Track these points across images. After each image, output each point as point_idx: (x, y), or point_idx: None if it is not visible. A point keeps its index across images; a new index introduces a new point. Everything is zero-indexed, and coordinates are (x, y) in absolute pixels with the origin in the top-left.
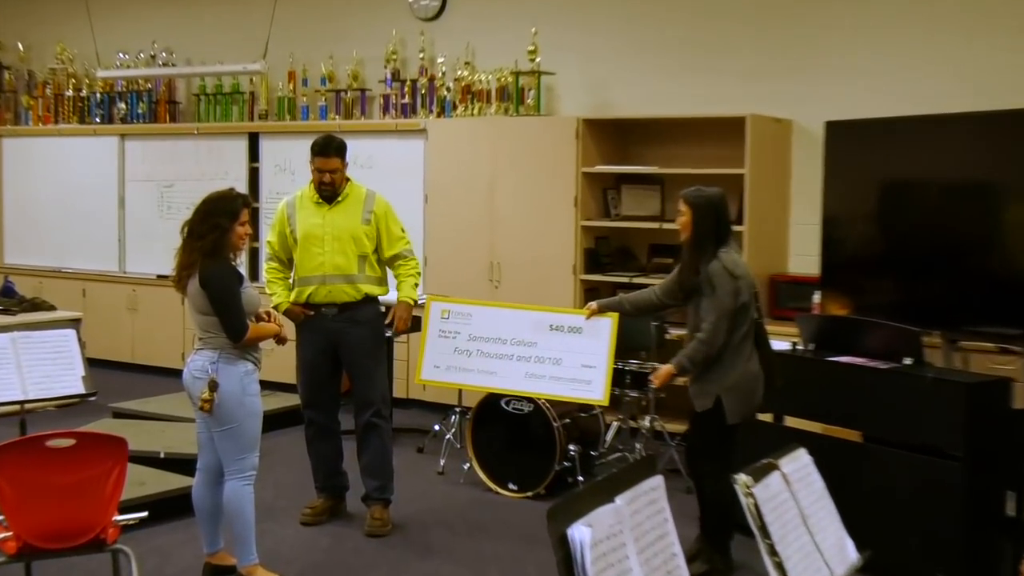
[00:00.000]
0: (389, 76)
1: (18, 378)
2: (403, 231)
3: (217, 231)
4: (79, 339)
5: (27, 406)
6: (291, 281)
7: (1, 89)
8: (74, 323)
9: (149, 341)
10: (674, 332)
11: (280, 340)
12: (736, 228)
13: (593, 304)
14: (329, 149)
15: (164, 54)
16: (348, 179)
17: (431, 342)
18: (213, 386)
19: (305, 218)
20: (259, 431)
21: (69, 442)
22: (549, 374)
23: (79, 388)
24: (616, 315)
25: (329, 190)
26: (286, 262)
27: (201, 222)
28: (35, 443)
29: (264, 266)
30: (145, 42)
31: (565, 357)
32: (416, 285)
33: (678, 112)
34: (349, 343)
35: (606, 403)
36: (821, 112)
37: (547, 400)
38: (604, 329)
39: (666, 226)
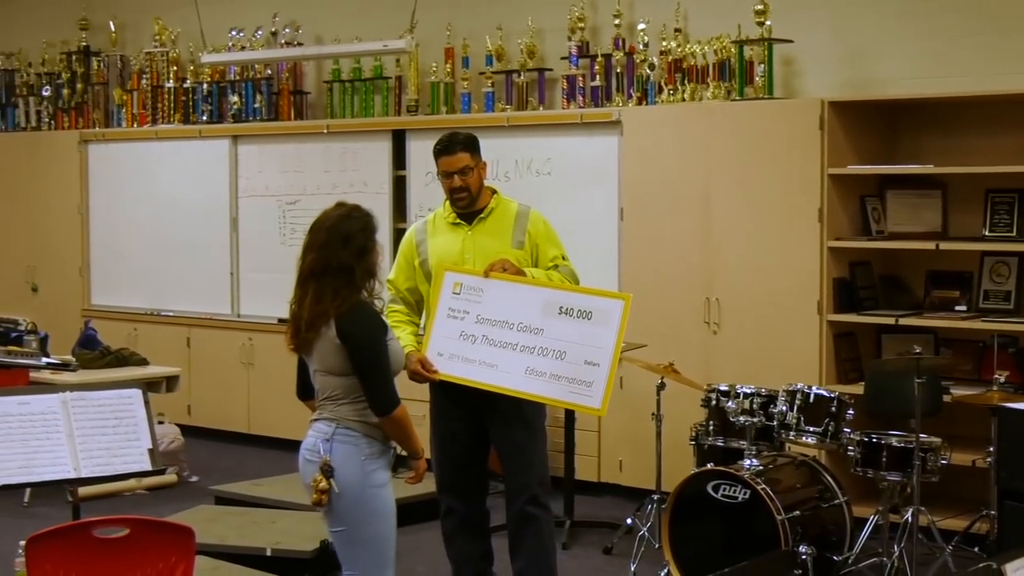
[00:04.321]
0: (575, 51)
1: (69, 451)
2: (565, 256)
3: (365, 260)
4: (146, 401)
5: (112, 487)
6: (421, 331)
7: (89, 81)
8: (150, 383)
9: (268, 405)
10: (957, 392)
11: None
12: None
13: None
14: (453, 144)
15: (287, 31)
16: (494, 191)
17: (439, 322)
18: (328, 471)
19: (439, 244)
20: (389, 537)
21: (122, 531)
22: (551, 371)
23: (144, 464)
24: (628, 297)
25: (465, 198)
26: (414, 305)
27: (343, 248)
28: (80, 531)
29: (384, 310)
30: (264, 16)
31: (570, 350)
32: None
33: (965, 89)
34: (498, 409)
35: (603, 413)
36: None
37: (763, 486)
38: (613, 314)
39: (949, 246)
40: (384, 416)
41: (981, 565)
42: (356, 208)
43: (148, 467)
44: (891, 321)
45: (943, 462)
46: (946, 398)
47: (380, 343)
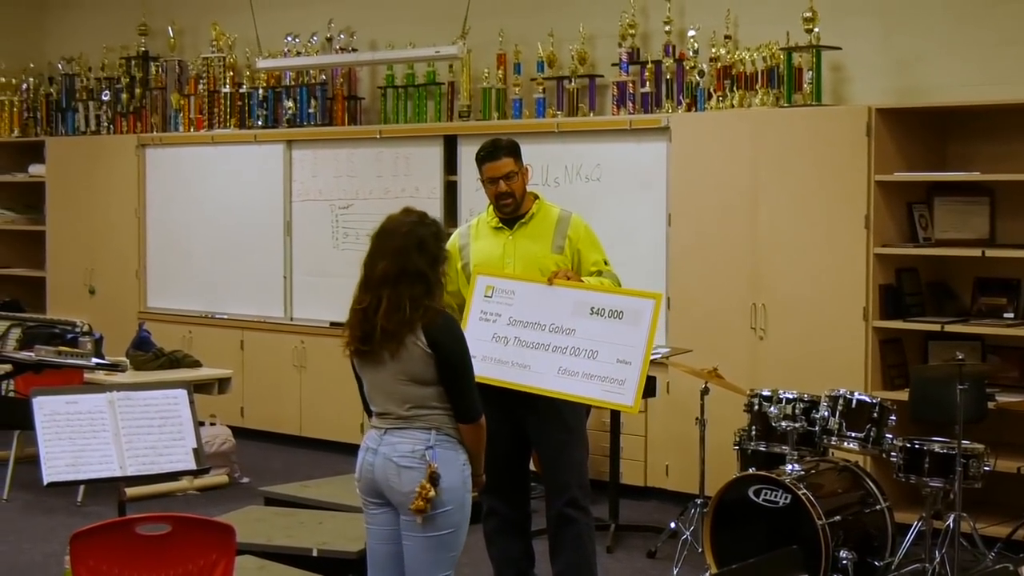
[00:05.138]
0: (625, 57)
1: (116, 450)
2: (607, 262)
3: (437, 268)
4: (191, 402)
5: (164, 487)
6: None
7: (147, 85)
8: (202, 385)
9: (320, 408)
10: (1003, 399)
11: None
12: None
13: None
14: (497, 150)
15: (342, 37)
16: (536, 196)
17: (472, 325)
18: (437, 479)
19: (481, 248)
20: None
21: (164, 528)
22: (583, 370)
23: (189, 463)
24: (659, 296)
25: (511, 203)
26: (457, 309)
27: (418, 254)
28: (123, 528)
29: None
30: (319, 22)
31: (602, 349)
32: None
33: (1013, 97)
34: (537, 411)
35: (635, 410)
36: None
37: (804, 491)
38: (644, 313)
39: (996, 253)
40: (471, 423)
41: (998, 566)
42: (425, 215)
43: (192, 466)
44: (936, 328)
45: (986, 468)
46: (991, 405)
47: (467, 351)
